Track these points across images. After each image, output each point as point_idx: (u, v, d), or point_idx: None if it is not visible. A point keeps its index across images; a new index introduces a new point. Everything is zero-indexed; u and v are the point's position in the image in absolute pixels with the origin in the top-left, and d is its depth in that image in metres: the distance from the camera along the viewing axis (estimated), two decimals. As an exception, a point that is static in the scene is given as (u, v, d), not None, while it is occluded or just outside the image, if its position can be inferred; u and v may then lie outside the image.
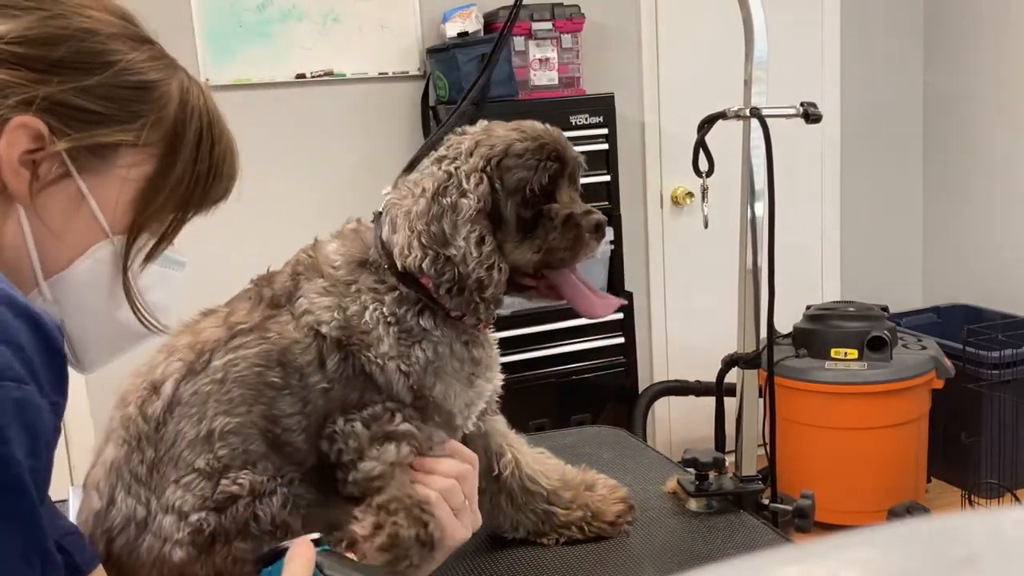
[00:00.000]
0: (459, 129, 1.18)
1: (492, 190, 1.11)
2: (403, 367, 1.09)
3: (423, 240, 1.08)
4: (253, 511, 1.04)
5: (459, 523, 1.10)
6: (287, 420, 1.07)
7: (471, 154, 1.12)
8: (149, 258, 0.92)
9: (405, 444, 1.09)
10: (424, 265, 1.08)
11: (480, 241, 1.09)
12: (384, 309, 1.10)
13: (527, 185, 1.11)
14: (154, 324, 0.95)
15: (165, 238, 0.92)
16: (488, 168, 1.11)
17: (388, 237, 1.12)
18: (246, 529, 1.04)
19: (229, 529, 1.03)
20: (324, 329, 1.08)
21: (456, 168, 1.11)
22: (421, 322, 1.11)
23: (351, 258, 1.14)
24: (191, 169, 0.90)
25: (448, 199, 1.09)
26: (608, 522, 1.37)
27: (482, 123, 1.18)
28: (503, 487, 1.31)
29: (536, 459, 1.36)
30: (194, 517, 1.03)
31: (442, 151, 1.15)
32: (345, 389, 1.09)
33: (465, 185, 1.09)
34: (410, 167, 1.20)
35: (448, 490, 1.09)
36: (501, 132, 1.14)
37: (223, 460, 1.04)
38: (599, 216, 1.14)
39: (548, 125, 1.17)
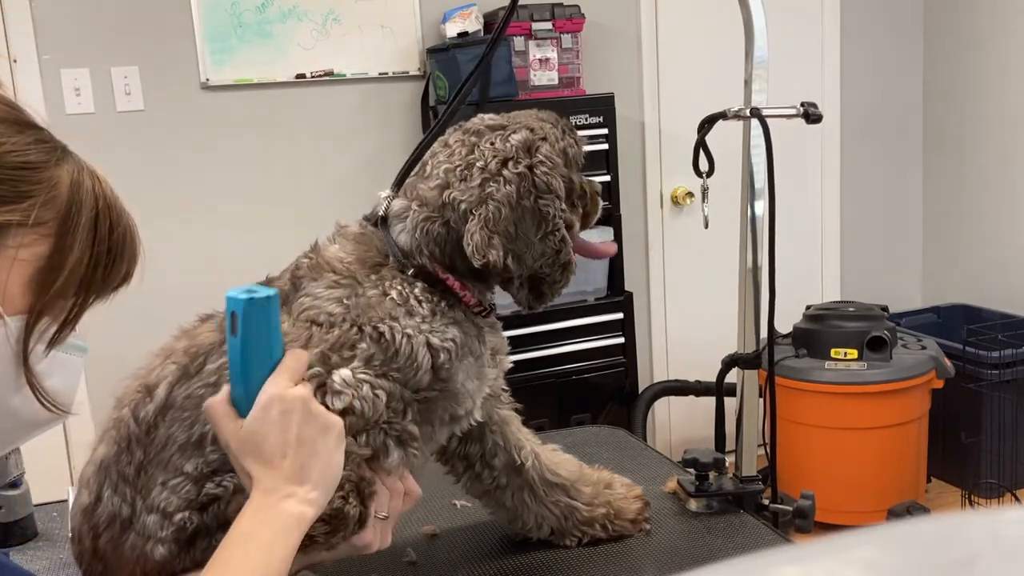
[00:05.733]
0: (480, 123, 1.18)
1: (564, 180, 1.17)
2: (434, 341, 1.09)
3: (505, 241, 1.11)
4: (236, 505, 1.04)
5: (375, 530, 1.07)
6: None
7: (529, 149, 1.14)
8: (53, 343, 0.88)
9: (401, 449, 1.08)
10: (508, 262, 1.11)
11: (563, 241, 1.16)
12: (416, 290, 1.11)
13: (581, 159, 1.22)
14: (56, 408, 0.90)
15: (68, 323, 0.88)
16: (555, 157, 1.16)
17: (405, 243, 1.13)
18: (227, 522, 1.03)
19: (211, 525, 1.04)
20: (322, 318, 1.06)
21: (529, 167, 1.13)
22: (453, 312, 1.13)
23: (366, 259, 1.13)
24: (89, 252, 0.87)
25: (528, 202, 1.12)
26: (629, 520, 1.37)
27: (482, 117, 1.19)
28: (526, 480, 1.30)
29: (552, 453, 1.36)
30: (178, 517, 1.03)
31: (488, 145, 1.14)
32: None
33: (543, 185, 1.13)
34: (407, 170, 1.19)
35: (382, 499, 1.07)
36: (533, 123, 1.18)
37: (213, 464, 1.04)
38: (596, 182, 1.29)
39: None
